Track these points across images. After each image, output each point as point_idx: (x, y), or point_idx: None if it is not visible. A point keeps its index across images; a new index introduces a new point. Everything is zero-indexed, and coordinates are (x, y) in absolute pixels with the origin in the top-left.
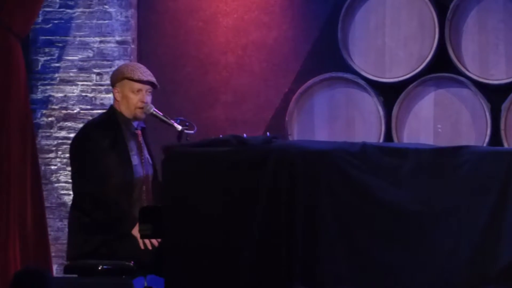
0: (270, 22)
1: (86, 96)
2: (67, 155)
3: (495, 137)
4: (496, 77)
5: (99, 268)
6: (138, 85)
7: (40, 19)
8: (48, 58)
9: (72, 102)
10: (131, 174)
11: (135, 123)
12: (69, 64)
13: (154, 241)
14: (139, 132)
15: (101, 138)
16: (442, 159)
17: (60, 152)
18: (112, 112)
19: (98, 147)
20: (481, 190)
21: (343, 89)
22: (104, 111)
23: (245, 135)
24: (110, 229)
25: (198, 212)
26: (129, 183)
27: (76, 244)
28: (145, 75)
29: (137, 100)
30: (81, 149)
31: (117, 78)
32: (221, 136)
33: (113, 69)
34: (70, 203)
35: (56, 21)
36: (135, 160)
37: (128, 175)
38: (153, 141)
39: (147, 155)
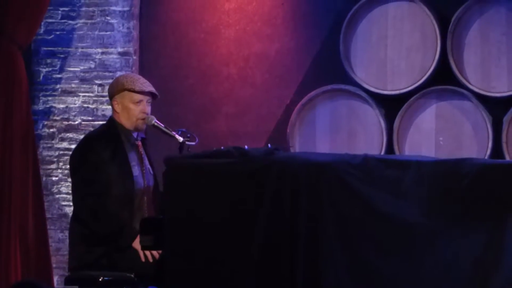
0: (272, 34)
1: (87, 107)
2: (68, 166)
3: (497, 150)
4: (498, 89)
5: (100, 279)
6: (139, 96)
7: (42, 30)
8: (50, 69)
9: (73, 113)
10: (132, 185)
11: (134, 134)
12: (71, 75)
13: (155, 252)
14: (139, 143)
15: (102, 150)
16: (444, 172)
17: (61, 163)
18: (111, 124)
19: (98, 159)
20: (482, 203)
21: (345, 101)
22: (104, 122)
23: (246, 146)
24: (111, 241)
25: (200, 224)
26: (130, 194)
27: (77, 255)
28: (145, 86)
29: (138, 111)
30: (82, 161)
31: (117, 90)
32: (222, 147)
33: None
34: (71, 214)
35: (58, 32)
36: (135, 171)
37: (129, 186)
38: (155, 152)
39: (148, 165)
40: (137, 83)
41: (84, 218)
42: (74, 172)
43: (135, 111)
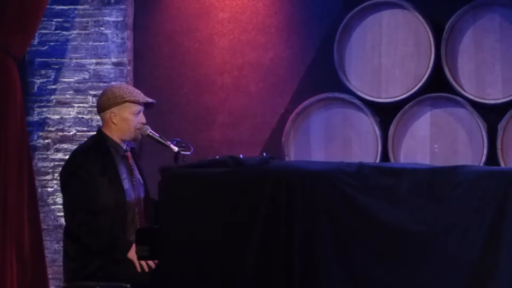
0: (266, 42)
1: (82, 118)
2: (59, 181)
3: (492, 157)
4: (493, 96)
5: None
6: (139, 107)
7: (36, 41)
8: (44, 80)
9: (68, 124)
10: (123, 199)
11: (123, 146)
12: (65, 86)
13: (151, 262)
14: (128, 154)
15: (91, 166)
16: (439, 179)
17: (56, 174)
18: (100, 137)
19: (88, 174)
20: (478, 210)
21: (340, 110)
22: (93, 133)
23: (241, 156)
24: (106, 255)
25: (195, 234)
26: (121, 208)
27: (72, 269)
28: (144, 96)
29: (137, 121)
30: (72, 178)
31: (115, 102)
32: (218, 157)
33: None
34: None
35: (52, 43)
36: (126, 184)
37: (120, 200)
38: (149, 162)
39: (138, 176)
40: (137, 94)
41: (77, 235)
42: (65, 189)
43: (134, 122)
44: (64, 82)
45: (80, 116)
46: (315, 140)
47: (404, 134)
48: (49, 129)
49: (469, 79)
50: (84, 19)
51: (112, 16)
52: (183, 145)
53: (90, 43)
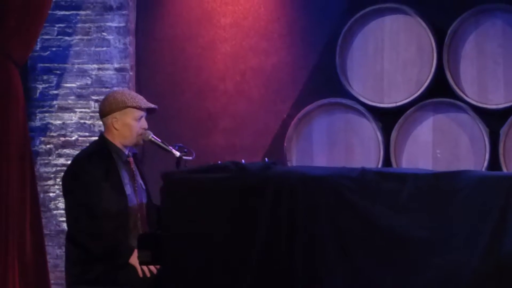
0: (268, 48)
1: (84, 123)
2: (61, 187)
3: (494, 162)
4: (495, 101)
5: None
6: (141, 112)
7: (38, 46)
8: (47, 85)
9: (70, 129)
10: (125, 204)
11: (126, 151)
12: (68, 91)
13: (153, 268)
14: (131, 159)
15: (94, 171)
16: (441, 184)
17: (58, 180)
18: (103, 142)
19: (91, 180)
20: (480, 215)
21: (342, 115)
22: (95, 139)
23: (243, 161)
24: (108, 260)
25: (197, 239)
26: (124, 214)
27: (75, 274)
28: (146, 102)
29: (139, 127)
30: (74, 183)
31: (117, 107)
32: (219, 162)
33: None
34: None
35: (54, 49)
36: (128, 189)
37: (123, 206)
38: (151, 167)
39: (140, 181)
40: (139, 100)
41: (80, 240)
42: (67, 194)
43: (136, 127)
44: (66, 87)
45: (82, 121)
46: (317, 146)
47: (406, 139)
48: (51, 134)
49: (471, 84)
50: (86, 25)
51: (114, 21)
52: (185, 150)
53: (92, 48)
